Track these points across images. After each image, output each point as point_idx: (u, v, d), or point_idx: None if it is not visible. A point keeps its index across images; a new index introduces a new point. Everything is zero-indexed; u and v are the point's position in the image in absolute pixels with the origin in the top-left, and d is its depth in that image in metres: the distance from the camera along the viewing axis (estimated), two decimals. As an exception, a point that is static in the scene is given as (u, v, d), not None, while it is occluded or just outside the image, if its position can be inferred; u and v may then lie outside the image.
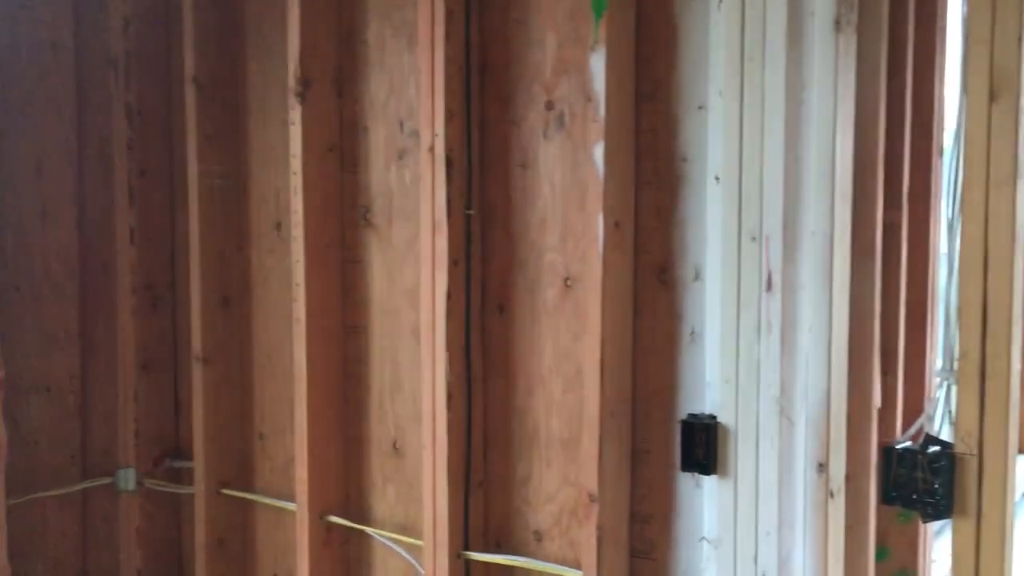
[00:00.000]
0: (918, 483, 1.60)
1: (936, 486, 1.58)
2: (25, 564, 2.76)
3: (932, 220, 1.98)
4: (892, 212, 1.91)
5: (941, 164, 1.97)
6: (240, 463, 2.77)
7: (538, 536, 2.21)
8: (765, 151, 1.77)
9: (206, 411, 2.70)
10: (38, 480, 2.78)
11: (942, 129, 1.99)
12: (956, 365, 1.61)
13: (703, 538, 1.96)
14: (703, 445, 1.86)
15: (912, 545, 2.04)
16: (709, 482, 1.92)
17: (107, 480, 2.89)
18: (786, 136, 1.75)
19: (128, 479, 2.88)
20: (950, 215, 1.73)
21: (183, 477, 2.90)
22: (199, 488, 2.72)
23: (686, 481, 1.99)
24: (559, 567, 2.15)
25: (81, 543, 2.91)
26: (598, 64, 1.93)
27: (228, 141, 2.71)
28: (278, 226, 2.64)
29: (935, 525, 2.07)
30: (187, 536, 2.88)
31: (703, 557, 1.97)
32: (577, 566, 2.09)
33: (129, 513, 2.89)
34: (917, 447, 1.61)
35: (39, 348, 2.78)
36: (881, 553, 2.00)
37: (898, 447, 1.64)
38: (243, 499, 2.74)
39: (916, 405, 1.91)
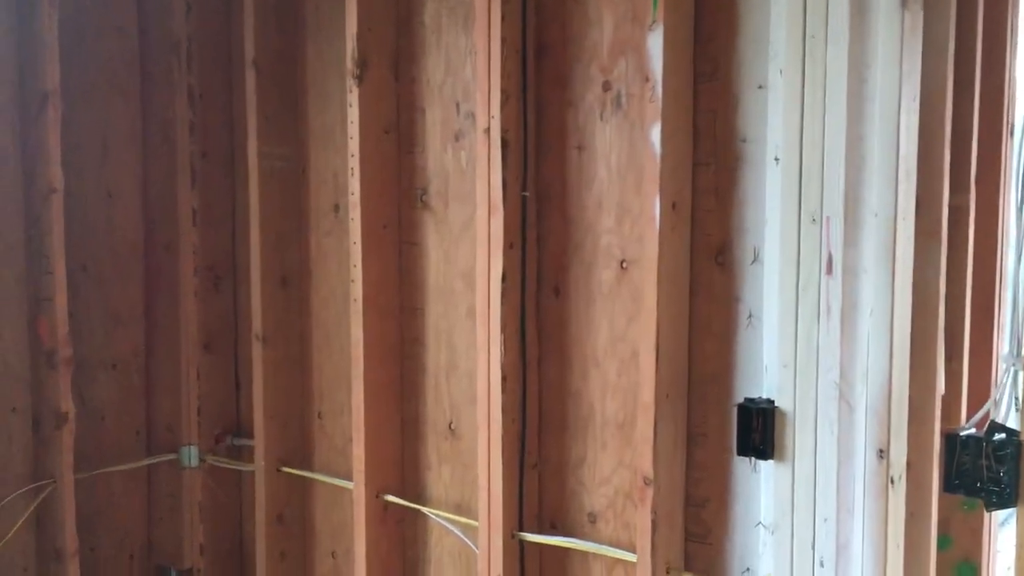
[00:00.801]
0: (982, 471, 1.56)
1: (1001, 474, 1.54)
2: (92, 537, 2.84)
3: (1002, 203, 1.92)
4: (959, 195, 1.85)
5: (1012, 145, 1.91)
6: (299, 441, 2.81)
7: (592, 518, 2.21)
8: (827, 130, 1.73)
9: (266, 390, 2.75)
10: (105, 455, 2.86)
11: (1014, 108, 1.93)
12: (1023, 351, 1.56)
13: (760, 523, 1.94)
14: (760, 429, 1.84)
15: (976, 535, 2.00)
16: (766, 467, 1.90)
17: (171, 456, 2.96)
18: (848, 115, 1.71)
19: (191, 456, 2.95)
20: (1020, 196, 1.67)
21: (244, 454, 2.96)
22: (259, 466, 2.77)
23: (743, 465, 1.97)
24: (613, 549, 2.15)
25: (146, 517, 3.00)
26: (656, 44, 1.91)
27: (287, 123, 2.74)
28: (336, 208, 2.67)
29: (1000, 515, 2.02)
30: (248, 512, 2.95)
31: (759, 542, 1.95)
32: (632, 549, 2.08)
33: (192, 489, 2.96)
34: (982, 434, 1.57)
35: (105, 327, 2.85)
36: (944, 542, 1.96)
37: (962, 434, 1.60)
38: (302, 477, 2.79)
39: (982, 392, 1.85)
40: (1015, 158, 1.81)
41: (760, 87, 1.90)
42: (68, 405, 2.63)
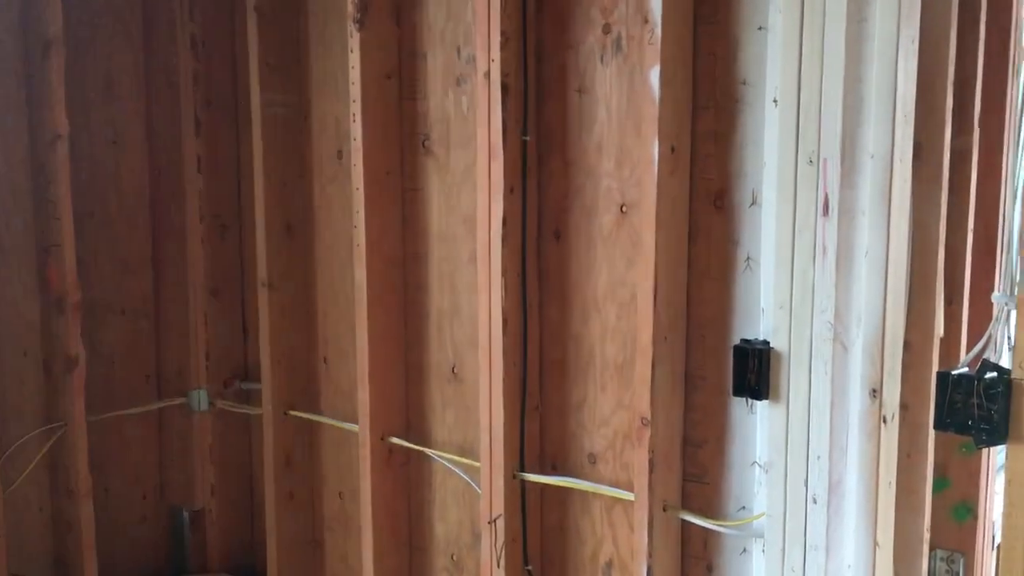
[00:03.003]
0: (973, 409, 1.57)
1: (992, 412, 1.55)
2: (106, 478, 2.91)
3: (1007, 145, 1.91)
4: (962, 137, 1.85)
5: (1017, 86, 1.90)
6: (305, 386, 2.85)
7: (592, 459, 2.24)
8: (825, 71, 1.73)
9: (272, 335, 2.78)
10: (116, 399, 2.91)
11: (1020, 49, 1.91)
12: (1016, 290, 1.57)
13: (755, 462, 1.97)
14: (756, 370, 1.86)
15: (973, 477, 2.02)
16: (761, 407, 1.92)
17: (181, 400, 3.01)
18: (847, 56, 1.70)
19: (201, 399, 3.00)
20: (1017, 138, 1.67)
21: (252, 398, 3.01)
22: (267, 409, 2.82)
23: (739, 406, 1.99)
24: (612, 489, 2.19)
25: (158, 459, 3.06)
26: (655, -15, 1.90)
27: (290, 70, 2.74)
28: (339, 154, 2.67)
29: (998, 459, 2.04)
30: (256, 454, 3.00)
31: (755, 481, 1.98)
32: (630, 488, 2.12)
33: (202, 432, 3.02)
34: (973, 373, 1.59)
35: (113, 272, 2.89)
36: (941, 484, 1.99)
37: (954, 373, 1.62)
38: (309, 420, 2.83)
39: (982, 335, 1.87)
40: (1019, 100, 1.80)
41: (760, 28, 1.88)
42: (78, 349, 2.68)
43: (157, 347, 3.00)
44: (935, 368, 1.77)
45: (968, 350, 1.85)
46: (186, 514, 3.07)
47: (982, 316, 1.93)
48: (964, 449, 2.00)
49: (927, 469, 1.83)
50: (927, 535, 1.85)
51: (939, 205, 1.78)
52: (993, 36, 1.87)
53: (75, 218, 2.66)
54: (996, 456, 2.06)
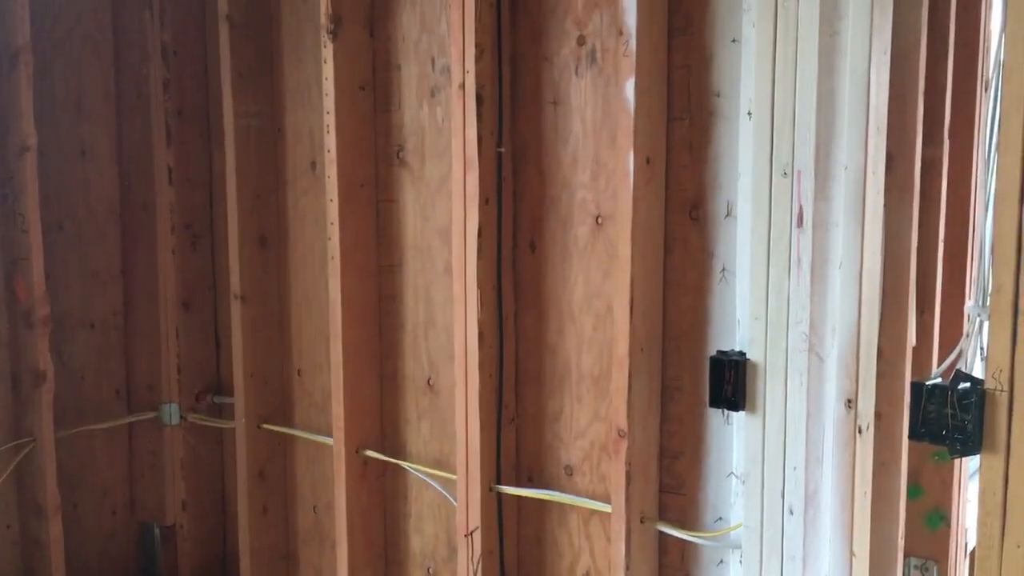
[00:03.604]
0: (947, 419, 1.58)
1: (966, 422, 1.57)
2: (74, 494, 2.86)
3: (976, 156, 1.93)
4: (932, 148, 1.87)
5: (987, 98, 1.92)
6: (279, 399, 2.83)
7: (569, 471, 2.23)
8: (798, 84, 1.74)
9: (245, 348, 2.75)
10: (86, 414, 2.87)
11: (988, 61, 1.93)
12: (989, 300, 1.58)
13: (732, 473, 1.98)
14: (732, 381, 1.86)
15: (946, 485, 2.04)
16: (738, 418, 1.93)
17: (152, 414, 2.97)
18: (820, 68, 1.71)
19: (172, 414, 2.96)
20: (988, 148, 1.69)
21: (225, 412, 2.97)
22: (240, 423, 2.79)
23: (716, 417, 2.00)
24: (589, 501, 2.18)
25: (128, 475, 3.02)
26: (630, -3, 1.90)
27: (262, 81, 2.72)
28: (313, 166, 2.66)
29: (970, 466, 2.06)
30: (229, 469, 2.97)
31: (731, 492, 1.98)
32: (607, 500, 2.11)
33: (173, 446, 2.98)
34: (947, 383, 1.60)
35: (83, 285, 2.85)
36: (915, 491, 2.00)
37: (928, 383, 1.63)
38: (282, 433, 2.81)
39: (953, 344, 1.88)
40: (989, 113, 1.82)
41: (734, 41, 1.89)
42: (46, 364, 2.63)
43: (127, 361, 2.96)
44: (908, 378, 1.78)
45: (940, 359, 1.87)
46: (157, 530, 3.03)
47: (953, 325, 1.94)
48: (937, 457, 2.01)
49: (901, 478, 1.84)
50: (902, 543, 1.86)
51: (911, 215, 1.79)
52: (961, 48, 1.89)
53: (43, 230, 2.62)
54: (968, 463, 2.07)
